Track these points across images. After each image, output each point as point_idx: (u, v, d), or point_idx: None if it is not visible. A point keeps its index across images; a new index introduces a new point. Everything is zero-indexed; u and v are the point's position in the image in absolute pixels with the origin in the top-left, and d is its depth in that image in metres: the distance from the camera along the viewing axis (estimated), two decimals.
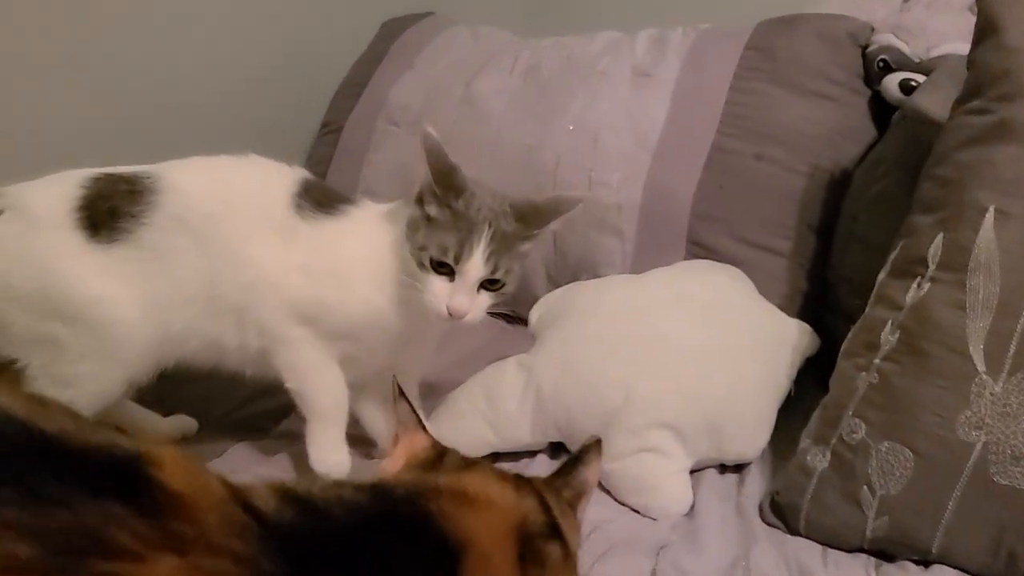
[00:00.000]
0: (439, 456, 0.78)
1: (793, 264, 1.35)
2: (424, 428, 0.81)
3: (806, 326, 1.24)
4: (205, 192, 1.02)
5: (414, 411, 0.82)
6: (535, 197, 1.06)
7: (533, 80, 1.59)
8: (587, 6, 2.26)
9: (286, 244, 1.01)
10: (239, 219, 1.01)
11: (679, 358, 1.12)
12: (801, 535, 1.00)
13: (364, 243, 1.04)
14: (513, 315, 1.61)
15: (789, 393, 1.18)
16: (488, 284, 1.00)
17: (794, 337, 1.22)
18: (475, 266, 0.97)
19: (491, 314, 1.58)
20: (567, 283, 1.48)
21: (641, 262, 1.40)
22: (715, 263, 1.32)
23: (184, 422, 1.23)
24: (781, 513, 1.02)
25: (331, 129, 1.82)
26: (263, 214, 1.02)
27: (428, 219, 0.98)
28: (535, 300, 1.52)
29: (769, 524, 1.03)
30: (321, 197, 1.05)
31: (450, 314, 0.98)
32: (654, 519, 1.04)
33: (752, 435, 1.12)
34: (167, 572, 0.45)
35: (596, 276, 1.44)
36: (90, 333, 0.98)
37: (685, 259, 1.37)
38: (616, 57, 1.56)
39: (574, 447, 1.15)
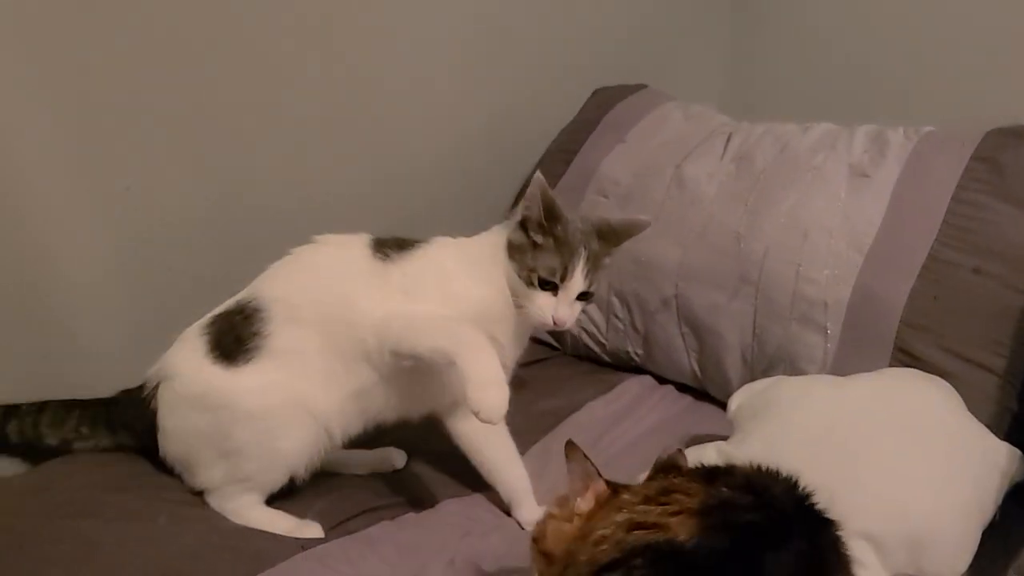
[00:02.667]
0: (616, 491, 0.89)
1: (1004, 383, 1.33)
2: (600, 474, 0.91)
3: (1016, 450, 1.23)
4: (300, 285, 1.22)
5: (591, 463, 0.91)
6: (611, 219, 1.32)
7: (746, 169, 1.64)
8: (793, 88, 2.30)
9: (383, 286, 1.20)
10: (336, 290, 1.19)
11: (884, 470, 1.14)
12: None
13: (451, 254, 1.26)
14: (701, 390, 1.67)
15: (994, 518, 1.17)
16: (581, 296, 1.23)
17: (1003, 460, 1.20)
18: (576, 283, 1.22)
19: (680, 389, 1.67)
20: (763, 370, 1.52)
21: (843, 362, 1.41)
22: (923, 373, 1.32)
23: (393, 454, 1.38)
24: None
25: None
26: (354, 276, 1.20)
27: (534, 245, 1.21)
28: (725, 380, 1.57)
29: None
30: (396, 243, 1.25)
31: (555, 323, 1.21)
32: None
33: (953, 556, 1.12)
34: None
35: (794, 369, 1.47)
36: (258, 440, 1.16)
37: (890, 365, 1.38)
38: (832, 152, 1.58)
39: None
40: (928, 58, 2.02)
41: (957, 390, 1.31)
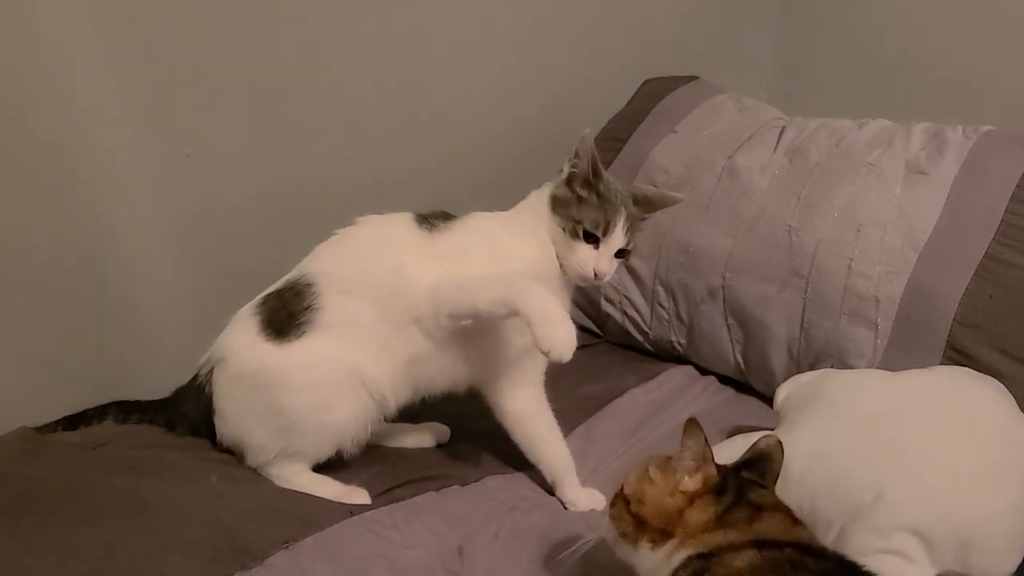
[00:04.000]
0: (725, 477, 0.94)
1: None
2: (713, 458, 0.94)
3: None
4: (349, 258, 1.24)
5: (709, 446, 0.93)
6: (646, 189, 1.41)
7: (799, 162, 1.63)
8: (844, 83, 2.28)
9: (431, 255, 1.22)
10: (386, 261, 1.22)
11: (936, 466, 1.13)
12: None
13: (495, 221, 1.29)
14: (743, 383, 1.66)
15: None
16: (619, 254, 1.27)
17: None
18: (617, 238, 1.25)
19: (721, 381, 1.66)
20: (809, 364, 1.51)
21: (892, 358, 1.40)
22: (976, 373, 1.31)
23: (437, 429, 1.40)
24: None
25: None
26: (403, 248, 1.23)
27: (579, 199, 1.24)
28: (770, 373, 1.57)
29: None
30: (440, 216, 1.28)
31: (595, 275, 1.24)
32: None
33: (1002, 556, 1.11)
34: None
35: (841, 364, 1.46)
36: (312, 413, 1.18)
37: (941, 364, 1.37)
38: (888, 148, 1.57)
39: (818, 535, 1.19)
40: (986, 54, 1.99)
41: (1010, 391, 1.29)
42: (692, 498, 0.93)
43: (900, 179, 1.50)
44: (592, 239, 1.24)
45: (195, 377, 1.26)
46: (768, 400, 1.48)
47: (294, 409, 1.17)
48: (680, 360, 1.73)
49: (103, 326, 1.38)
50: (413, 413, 1.39)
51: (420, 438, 1.39)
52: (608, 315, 1.80)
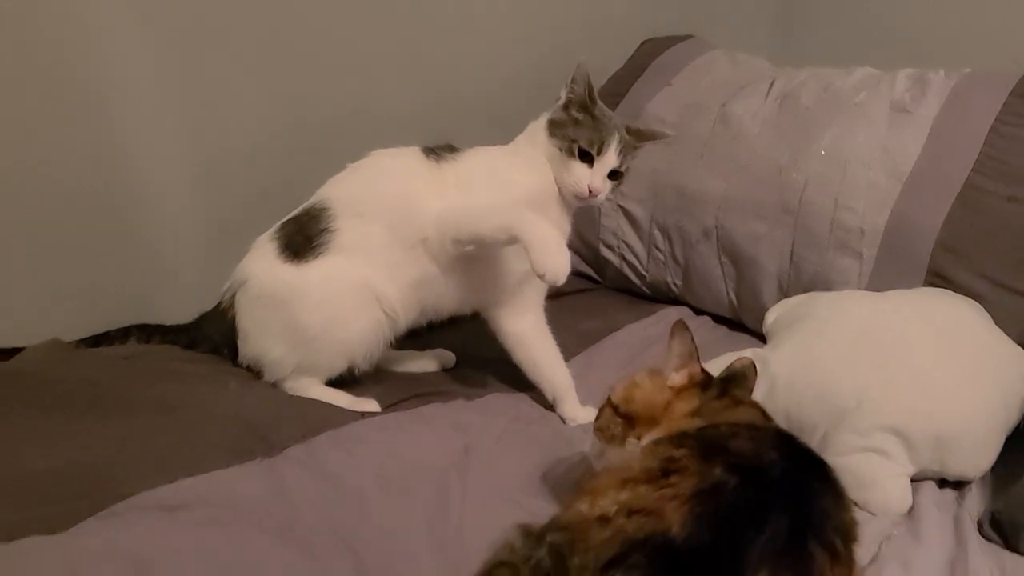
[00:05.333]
0: (708, 378, 1.02)
1: None
2: (699, 359, 1.03)
3: None
4: (362, 183, 1.32)
5: (695, 345, 1.01)
6: (638, 124, 1.52)
7: (789, 106, 1.69)
8: (838, 38, 2.34)
9: (439, 183, 1.29)
10: (397, 187, 1.29)
11: (914, 371, 1.20)
12: (1019, 552, 1.05)
13: (497, 152, 1.37)
14: (737, 322, 1.73)
15: (1019, 426, 1.23)
16: (612, 176, 1.33)
17: None
18: (610, 157, 1.32)
19: (716, 321, 1.73)
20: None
21: (877, 285, 1.47)
22: (955, 294, 1.37)
23: (443, 356, 1.47)
24: (1001, 529, 1.08)
25: None
26: (412, 176, 1.30)
27: (575, 121, 1.32)
28: (762, 309, 1.63)
29: (987, 538, 1.08)
30: (447, 149, 1.35)
31: (589, 192, 1.30)
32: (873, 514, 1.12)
33: (976, 454, 1.18)
34: None
35: None
36: (328, 326, 1.26)
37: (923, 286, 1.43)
38: (873, 92, 1.63)
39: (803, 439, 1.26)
40: (970, 8, 2.06)
41: (988, 312, 1.36)
42: (679, 391, 1.00)
43: (885, 118, 1.57)
44: (587, 158, 1.30)
45: (219, 303, 1.34)
46: (760, 337, 1.55)
47: (311, 324, 1.24)
48: (676, 301, 1.80)
49: (126, 256, 1.45)
50: (420, 343, 1.47)
51: (426, 363, 1.46)
52: (607, 261, 1.86)
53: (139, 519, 0.90)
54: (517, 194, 1.29)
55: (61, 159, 1.35)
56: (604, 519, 0.71)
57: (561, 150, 1.31)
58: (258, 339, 1.29)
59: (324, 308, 1.25)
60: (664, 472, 0.74)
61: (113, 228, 1.43)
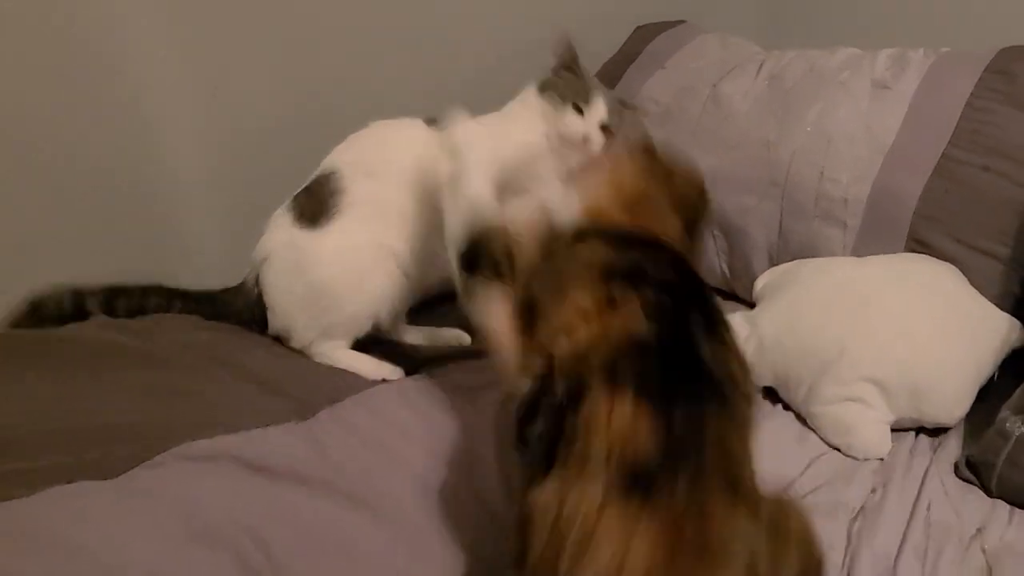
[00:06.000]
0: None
1: (1008, 269, 1.46)
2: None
3: (1015, 320, 1.37)
4: (369, 146, 1.40)
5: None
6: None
7: (776, 86, 1.78)
8: (826, 24, 2.42)
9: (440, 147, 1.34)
10: (403, 144, 1.38)
11: (891, 324, 1.29)
12: (992, 493, 1.15)
13: (493, 117, 1.43)
14: (730, 293, 1.82)
15: (992, 377, 1.32)
16: (605, 129, 1.40)
17: (1002, 327, 1.35)
18: (599, 108, 1.40)
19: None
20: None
21: (860, 252, 1.55)
22: (933, 258, 1.46)
23: (458, 333, 1.55)
24: (976, 471, 1.18)
25: None
26: (415, 137, 1.38)
27: (564, 80, 1.41)
28: (752, 279, 1.72)
29: (963, 479, 1.18)
30: (447, 116, 1.41)
31: (583, 139, 1.38)
32: (855, 458, 1.22)
33: (950, 402, 1.28)
34: None
35: None
36: (349, 283, 1.34)
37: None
38: (856, 71, 1.72)
39: (785, 393, 1.35)
40: None
41: (966, 275, 1.45)
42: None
43: (866, 95, 1.65)
44: (578, 109, 1.39)
45: (243, 282, 1.42)
46: (752, 307, 1.63)
47: (332, 284, 1.32)
48: None
49: (149, 234, 1.54)
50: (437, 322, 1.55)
51: (442, 339, 1.54)
52: None
53: (185, 466, 0.99)
54: (515, 153, 1.36)
55: (91, 141, 1.43)
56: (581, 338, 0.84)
57: (553, 105, 1.39)
58: (285, 308, 1.37)
59: (343, 267, 1.33)
60: (609, 301, 0.86)
61: (137, 206, 1.51)
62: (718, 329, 0.87)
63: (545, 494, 0.72)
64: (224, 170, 1.62)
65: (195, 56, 1.53)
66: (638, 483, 0.70)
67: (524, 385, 0.86)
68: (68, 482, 0.93)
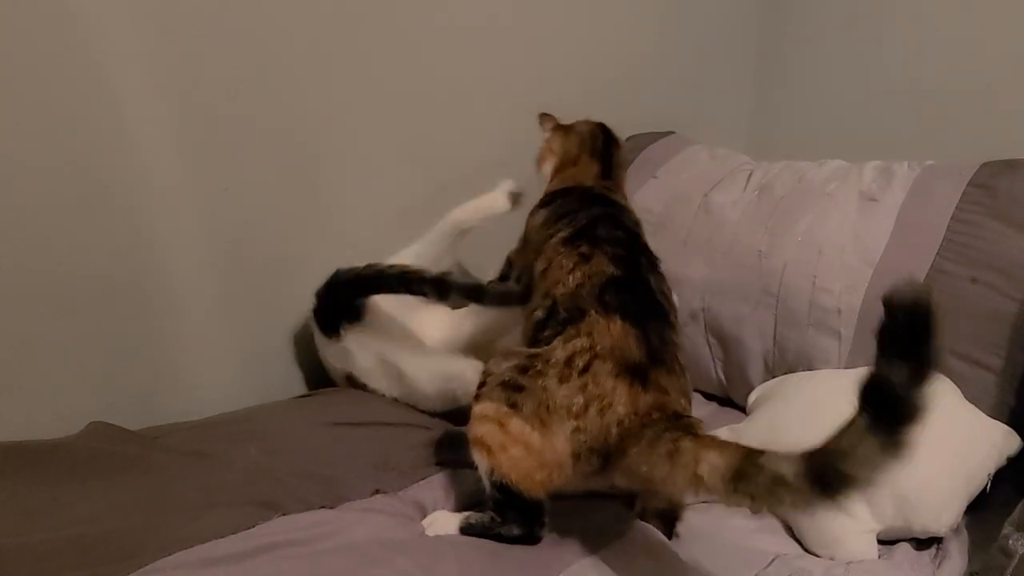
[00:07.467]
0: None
1: (1001, 380, 1.47)
2: None
3: (1007, 428, 1.37)
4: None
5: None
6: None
7: (766, 196, 1.82)
8: (809, 137, 2.50)
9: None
10: None
11: None
12: None
13: None
14: (726, 399, 1.82)
15: (985, 488, 1.31)
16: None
17: (995, 437, 1.35)
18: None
19: (706, 398, 1.81)
20: (783, 374, 1.67)
21: (855, 363, 1.57)
22: None
23: None
24: None
25: None
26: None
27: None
28: (748, 386, 1.73)
29: None
30: None
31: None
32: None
33: (939, 509, 1.26)
34: None
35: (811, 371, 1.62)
36: None
37: None
38: (844, 183, 1.77)
39: None
40: (929, 107, 2.23)
41: (959, 386, 1.46)
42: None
43: (854, 207, 1.70)
44: None
45: None
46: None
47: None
48: None
49: (144, 347, 1.54)
50: None
51: None
52: None
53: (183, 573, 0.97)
54: None
55: (90, 249, 1.43)
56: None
57: None
58: None
59: None
60: (583, 257, 1.24)
61: (133, 321, 1.50)
62: (656, 266, 1.30)
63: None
64: (224, 280, 1.63)
65: (200, 165, 1.56)
66: (636, 375, 1.08)
67: (540, 312, 1.23)
68: None
